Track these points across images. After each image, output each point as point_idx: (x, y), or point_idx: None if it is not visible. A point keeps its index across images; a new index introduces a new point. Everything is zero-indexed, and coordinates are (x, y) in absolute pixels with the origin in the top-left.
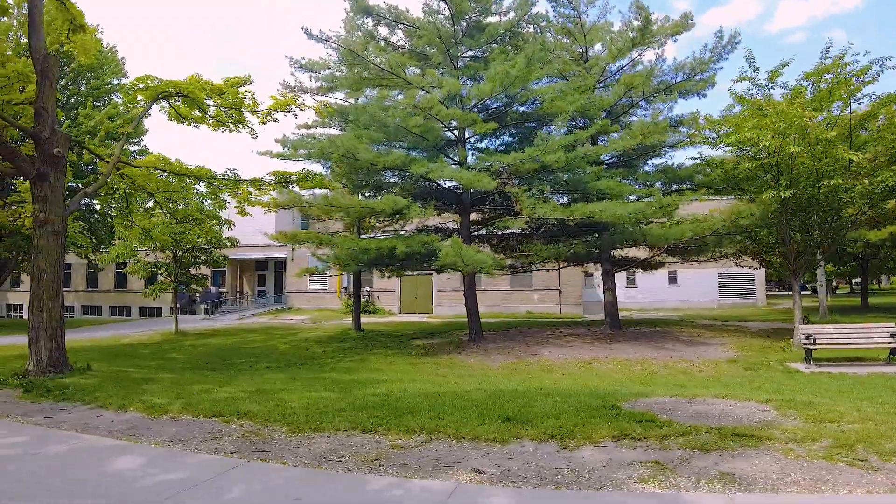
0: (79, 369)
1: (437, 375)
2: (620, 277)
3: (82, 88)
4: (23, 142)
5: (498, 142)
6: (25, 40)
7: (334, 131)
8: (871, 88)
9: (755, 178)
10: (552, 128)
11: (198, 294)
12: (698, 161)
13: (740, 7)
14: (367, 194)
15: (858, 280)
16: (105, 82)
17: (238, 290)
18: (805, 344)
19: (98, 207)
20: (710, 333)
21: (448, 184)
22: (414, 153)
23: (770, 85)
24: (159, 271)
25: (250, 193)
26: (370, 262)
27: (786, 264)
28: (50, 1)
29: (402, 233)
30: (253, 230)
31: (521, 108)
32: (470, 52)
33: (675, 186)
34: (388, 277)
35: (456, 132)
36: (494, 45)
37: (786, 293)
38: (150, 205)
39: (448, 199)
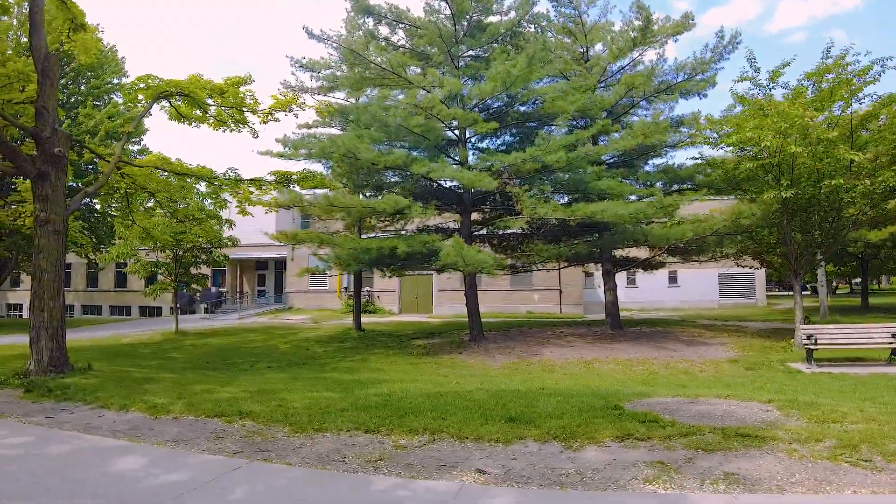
0: (80, 369)
1: (438, 375)
2: (621, 277)
3: (82, 88)
4: (23, 141)
5: (499, 141)
6: (25, 39)
7: (335, 131)
8: (873, 88)
9: (756, 178)
10: (553, 128)
11: (198, 294)
12: (699, 161)
13: (740, 7)
14: (367, 194)
15: (858, 280)
16: (105, 82)
17: (238, 289)
18: (806, 344)
19: (98, 207)
20: (710, 333)
21: (449, 184)
22: (415, 153)
23: (771, 85)
24: (159, 271)
25: (251, 193)
26: (371, 261)
27: (786, 264)
28: (50, 0)
29: (402, 233)
30: (253, 230)
31: (522, 108)
32: (471, 52)
33: (675, 186)
34: (389, 277)
35: (457, 132)
36: (495, 44)
37: (786, 293)
38: (150, 204)
39: (449, 199)
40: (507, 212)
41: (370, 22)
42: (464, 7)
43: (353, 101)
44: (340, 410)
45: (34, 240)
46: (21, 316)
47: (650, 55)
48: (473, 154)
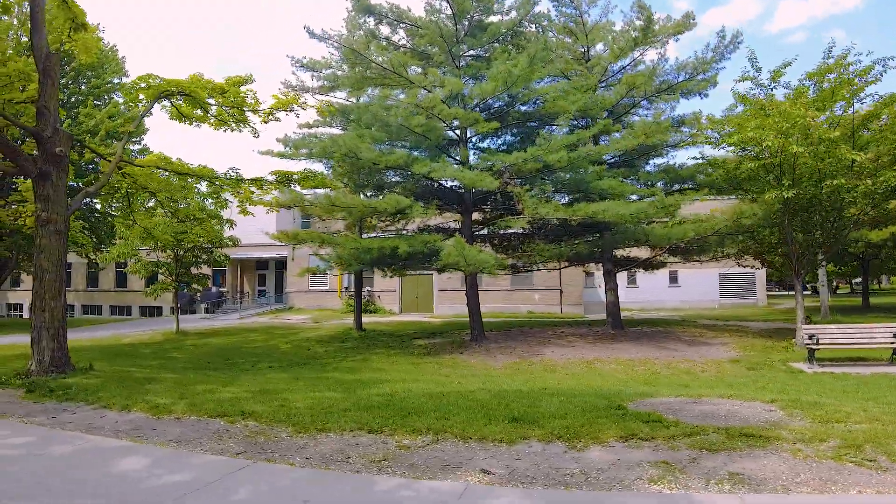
0: (81, 369)
1: (440, 375)
2: (621, 277)
3: (83, 87)
4: (24, 141)
5: (499, 141)
6: (26, 39)
7: (336, 130)
8: (874, 88)
9: (757, 178)
10: (554, 127)
11: (198, 294)
12: (700, 161)
13: (740, 7)
14: (368, 194)
15: (858, 280)
16: (106, 81)
17: (238, 289)
18: (808, 344)
19: (99, 207)
20: (711, 333)
21: (450, 183)
22: (416, 153)
23: (772, 85)
24: (160, 271)
25: (252, 193)
26: (372, 261)
27: (788, 264)
28: None
29: (403, 233)
30: (254, 229)
31: (523, 108)
32: (472, 52)
33: (676, 186)
34: (390, 277)
35: (458, 132)
36: (496, 44)
37: (786, 293)
38: (151, 204)
39: (450, 199)
40: (508, 211)
41: (371, 21)
42: (465, 7)
43: (354, 100)
44: (343, 410)
45: (35, 240)
46: (21, 316)
47: (651, 55)
48: (474, 154)
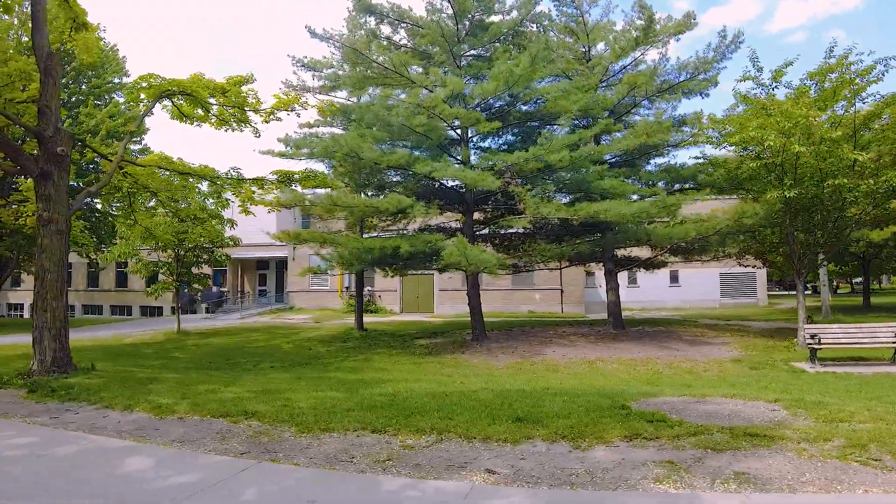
0: (83, 369)
1: (442, 375)
2: (622, 277)
3: (83, 87)
4: (25, 140)
5: (501, 141)
6: (26, 39)
7: (337, 130)
8: (875, 88)
9: (759, 178)
10: (556, 127)
11: (199, 293)
12: (701, 161)
13: (740, 7)
14: (369, 193)
15: (859, 280)
16: (106, 81)
17: (239, 289)
18: (810, 343)
19: (99, 206)
20: (713, 333)
21: (451, 183)
22: (417, 152)
23: (774, 84)
24: (161, 270)
25: (254, 192)
26: (374, 261)
27: (789, 264)
28: None
29: (404, 232)
30: (255, 229)
31: (525, 108)
32: (473, 51)
33: (677, 186)
34: (392, 277)
35: (459, 131)
36: (497, 44)
37: (786, 293)
38: (151, 204)
39: (451, 199)
40: (509, 211)
41: (372, 21)
42: (466, 6)
43: (355, 100)
44: (346, 410)
45: (37, 239)
46: (22, 316)
47: (652, 54)
48: (476, 153)
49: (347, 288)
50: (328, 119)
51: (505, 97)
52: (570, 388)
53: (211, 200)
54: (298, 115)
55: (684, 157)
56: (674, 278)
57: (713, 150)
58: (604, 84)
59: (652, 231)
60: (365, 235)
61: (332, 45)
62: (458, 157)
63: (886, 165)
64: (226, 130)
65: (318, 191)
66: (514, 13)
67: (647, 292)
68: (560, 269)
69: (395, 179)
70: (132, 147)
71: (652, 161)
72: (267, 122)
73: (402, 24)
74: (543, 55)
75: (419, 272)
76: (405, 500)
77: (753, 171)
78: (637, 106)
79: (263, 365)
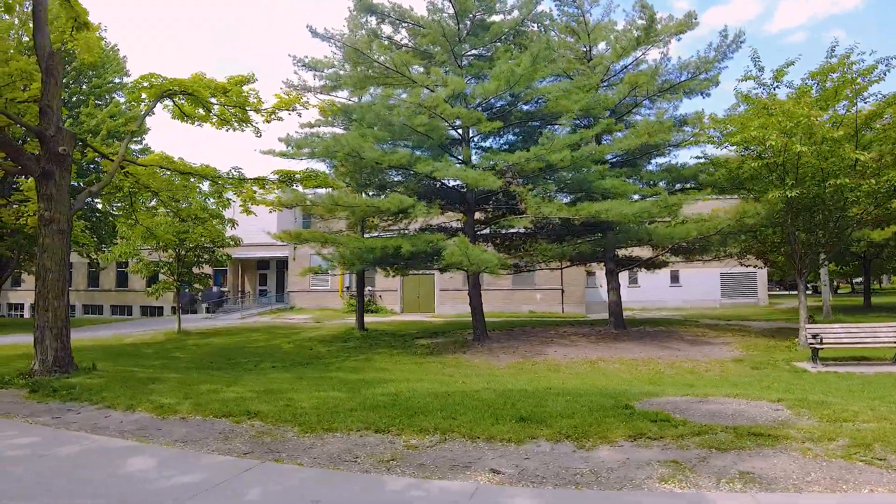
0: (84, 369)
1: (443, 375)
2: (623, 277)
3: (84, 87)
4: (26, 140)
5: (502, 141)
6: (27, 38)
7: (338, 130)
8: (877, 87)
9: (760, 178)
10: (557, 127)
11: (199, 293)
12: (702, 160)
13: (740, 7)
14: (370, 193)
15: (859, 280)
16: (107, 81)
17: (240, 289)
18: (812, 343)
19: (100, 206)
20: (714, 333)
21: (452, 183)
22: (418, 152)
23: (775, 84)
24: (162, 270)
25: (255, 192)
26: (375, 261)
27: (790, 264)
28: None
29: (405, 232)
30: (255, 229)
31: (526, 107)
32: (474, 51)
33: (678, 186)
34: (393, 276)
35: (460, 131)
36: (498, 43)
37: (786, 293)
38: (152, 203)
39: (452, 199)
40: (510, 211)
41: (373, 21)
42: (467, 6)
43: (356, 100)
44: (349, 410)
45: (38, 239)
46: (22, 316)
47: (653, 54)
48: (477, 153)
49: (348, 288)
50: (329, 119)
51: (506, 97)
52: (572, 388)
53: (212, 200)
54: (300, 115)
55: (685, 156)
56: (674, 278)
57: (714, 150)
58: (605, 84)
59: (653, 231)
60: (366, 235)
61: (334, 45)
62: (460, 157)
63: (888, 165)
64: (227, 130)
65: (320, 191)
66: (516, 13)
67: (647, 292)
68: (561, 268)
69: (396, 179)
70: (133, 147)
71: (653, 161)
72: (268, 121)
73: (404, 24)
74: (545, 55)
75: (420, 272)
76: (410, 500)
77: (755, 170)
78: (638, 105)
79: (264, 365)
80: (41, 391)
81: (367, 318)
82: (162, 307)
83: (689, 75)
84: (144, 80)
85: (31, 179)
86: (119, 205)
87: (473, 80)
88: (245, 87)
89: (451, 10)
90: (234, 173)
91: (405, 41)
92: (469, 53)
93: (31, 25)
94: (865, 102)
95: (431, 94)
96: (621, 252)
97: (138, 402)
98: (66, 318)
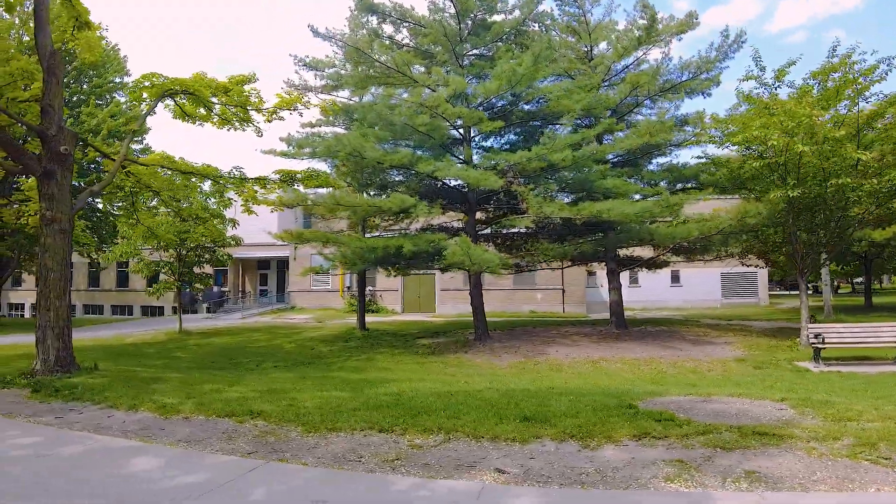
0: (86, 369)
1: (445, 374)
2: (623, 277)
3: (84, 87)
4: (27, 139)
5: (503, 140)
6: (27, 38)
7: (339, 130)
8: (879, 87)
9: (762, 177)
10: (558, 126)
11: (200, 293)
12: (704, 160)
13: (740, 6)
14: (372, 193)
15: (860, 279)
16: (107, 80)
17: (241, 289)
18: (814, 343)
19: (101, 206)
20: (715, 333)
21: (454, 182)
22: (420, 152)
23: (777, 84)
24: (162, 270)
25: (256, 192)
26: (377, 260)
27: (792, 264)
28: None
29: (406, 232)
30: (256, 229)
31: (527, 107)
32: (475, 51)
33: (679, 185)
34: (394, 276)
35: (461, 131)
36: (500, 43)
37: (787, 293)
38: (153, 203)
39: (454, 198)
40: (511, 211)
41: (374, 20)
42: (468, 6)
43: (357, 99)
44: (352, 410)
45: (40, 239)
46: (23, 316)
47: (654, 54)
48: (478, 153)
49: (349, 288)
50: (330, 118)
51: (507, 96)
52: (575, 388)
53: (213, 200)
54: (301, 115)
55: (687, 156)
56: (675, 278)
57: (716, 150)
58: (606, 83)
59: (655, 230)
60: (367, 235)
61: (335, 45)
62: (461, 157)
63: (889, 165)
64: (228, 130)
65: (321, 190)
66: (517, 12)
67: (648, 292)
68: (562, 268)
69: (397, 179)
70: (134, 146)
71: (654, 160)
72: (269, 121)
73: (405, 24)
74: (546, 54)
75: (421, 272)
76: (416, 499)
77: (756, 170)
78: (639, 105)
79: (266, 365)
80: (43, 391)
81: (369, 318)
82: (163, 307)
83: (691, 75)
84: (146, 80)
85: (32, 179)
86: (120, 204)
87: (475, 79)
88: (246, 87)
89: (453, 10)
90: (236, 173)
91: (406, 41)
92: (470, 53)
93: (32, 25)
94: (867, 102)
95: (433, 93)
96: (622, 252)
97: (141, 401)
98: (68, 318)
